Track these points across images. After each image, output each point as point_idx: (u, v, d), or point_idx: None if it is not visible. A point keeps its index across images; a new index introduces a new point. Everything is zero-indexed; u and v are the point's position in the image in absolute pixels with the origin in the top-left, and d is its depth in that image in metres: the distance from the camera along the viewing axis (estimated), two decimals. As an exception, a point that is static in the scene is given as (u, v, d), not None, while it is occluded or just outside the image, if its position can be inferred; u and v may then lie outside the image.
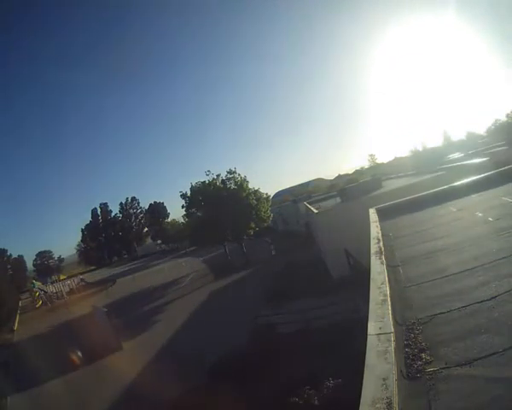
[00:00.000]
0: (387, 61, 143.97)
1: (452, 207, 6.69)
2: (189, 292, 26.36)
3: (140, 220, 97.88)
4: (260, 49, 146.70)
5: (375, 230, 5.96)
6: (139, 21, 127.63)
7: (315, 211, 19.61)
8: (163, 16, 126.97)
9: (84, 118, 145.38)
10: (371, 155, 74.68)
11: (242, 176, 31.67)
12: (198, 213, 31.00)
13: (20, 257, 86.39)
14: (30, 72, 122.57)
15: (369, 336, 2.39)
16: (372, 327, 2.49)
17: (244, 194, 30.70)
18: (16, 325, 31.39)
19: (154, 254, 74.21)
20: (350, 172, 77.19)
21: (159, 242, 78.24)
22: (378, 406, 1.74)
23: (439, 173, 18.93)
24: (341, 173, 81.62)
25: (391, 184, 21.83)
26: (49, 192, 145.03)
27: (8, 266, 75.61)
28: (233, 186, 31.38)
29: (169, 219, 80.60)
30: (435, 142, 59.07)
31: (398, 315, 2.90)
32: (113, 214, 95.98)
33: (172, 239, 62.69)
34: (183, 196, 32.74)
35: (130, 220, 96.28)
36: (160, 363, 13.81)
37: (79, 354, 16.75)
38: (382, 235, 5.64)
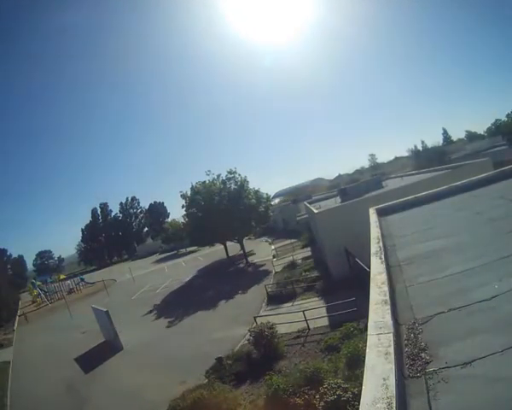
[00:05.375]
0: (387, 59, 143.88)
1: (453, 206, 6.68)
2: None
3: (140, 220, 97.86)
4: (259, 48, 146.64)
5: (375, 229, 5.96)
6: (143, 16, 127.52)
7: (315, 211, 19.60)
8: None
9: (84, 117, 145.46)
10: (371, 155, 74.84)
11: (243, 176, 31.72)
12: (198, 214, 31.04)
13: (20, 257, 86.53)
14: (30, 69, 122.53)
15: (369, 336, 2.39)
16: (372, 327, 2.49)
17: (244, 194, 30.73)
18: (16, 324, 31.38)
19: (155, 253, 74.44)
20: (350, 172, 77.29)
21: (159, 242, 78.25)
22: (378, 406, 1.74)
23: (439, 173, 18.92)
24: (341, 173, 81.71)
25: (391, 184, 21.81)
26: (49, 192, 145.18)
27: (8, 266, 75.63)
28: (233, 186, 31.39)
29: (169, 219, 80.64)
30: (435, 141, 59.09)
31: (398, 315, 2.90)
32: (113, 214, 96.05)
33: (172, 239, 62.86)
34: (184, 196, 32.76)
35: (130, 220, 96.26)
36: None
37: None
38: (382, 235, 5.64)
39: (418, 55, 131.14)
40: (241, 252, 33.60)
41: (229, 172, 31.79)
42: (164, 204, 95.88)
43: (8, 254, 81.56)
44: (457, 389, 1.92)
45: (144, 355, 15.47)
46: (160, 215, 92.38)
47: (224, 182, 31.67)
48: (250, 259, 33.11)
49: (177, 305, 23.17)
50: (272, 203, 46.20)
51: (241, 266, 31.66)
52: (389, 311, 2.63)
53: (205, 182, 32.26)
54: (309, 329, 13.10)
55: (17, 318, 34.52)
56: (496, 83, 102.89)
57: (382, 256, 4.14)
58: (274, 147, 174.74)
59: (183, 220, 40.58)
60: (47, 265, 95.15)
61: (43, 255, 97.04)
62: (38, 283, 48.66)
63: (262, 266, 28.97)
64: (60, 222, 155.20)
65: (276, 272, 24.33)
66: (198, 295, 24.35)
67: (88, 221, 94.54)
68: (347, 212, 16.46)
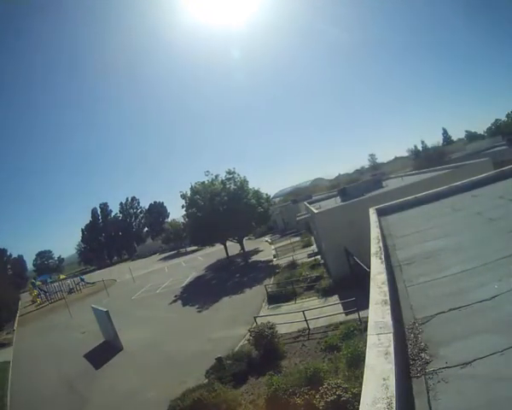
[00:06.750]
0: (386, 59, 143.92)
1: (452, 206, 6.68)
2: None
3: (140, 220, 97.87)
4: (258, 48, 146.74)
5: (375, 230, 5.96)
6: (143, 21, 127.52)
7: (315, 211, 19.58)
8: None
9: (84, 117, 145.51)
10: (371, 155, 74.92)
11: (242, 176, 31.74)
12: (198, 214, 31.08)
13: (20, 257, 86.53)
14: (28, 70, 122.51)
15: (369, 336, 2.39)
16: (372, 327, 2.49)
17: (244, 194, 30.74)
18: (16, 325, 31.37)
19: (155, 253, 74.56)
20: (350, 172, 77.44)
21: (159, 242, 78.38)
22: (378, 406, 1.74)
23: (439, 173, 18.91)
24: (341, 173, 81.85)
25: (391, 184, 21.80)
26: (49, 192, 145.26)
27: (8, 266, 75.65)
28: (233, 187, 31.41)
29: (169, 219, 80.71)
30: (435, 141, 59.25)
31: (398, 315, 2.90)
32: (113, 214, 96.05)
33: (172, 239, 62.97)
34: (183, 196, 32.79)
35: (130, 220, 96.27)
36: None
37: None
38: (382, 235, 5.65)
39: (418, 55, 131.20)
40: (241, 252, 33.64)
41: (229, 173, 31.82)
42: (164, 204, 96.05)
43: (8, 254, 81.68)
44: (457, 389, 1.92)
45: (145, 355, 15.46)
46: (160, 215, 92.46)
47: (223, 182, 31.68)
48: (253, 258, 33.22)
49: (177, 305, 23.23)
50: (272, 203, 46.25)
51: (241, 265, 31.71)
52: (389, 311, 2.62)
53: (204, 182, 32.30)
54: (309, 329, 13.09)
55: (17, 318, 34.50)
56: (496, 83, 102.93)
57: (382, 256, 4.14)
58: (274, 147, 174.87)
59: (183, 220, 40.61)
60: (47, 265, 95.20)
61: (43, 255, 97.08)
62: (38, 283, 48.63)
63: (263, 264, 29.06)
64: (60, 222, 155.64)
65: (276, 272, 24.32)
66: (198, 295, 24.37)
67: (88, 221, 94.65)
68: (347, 212, 16.44)
